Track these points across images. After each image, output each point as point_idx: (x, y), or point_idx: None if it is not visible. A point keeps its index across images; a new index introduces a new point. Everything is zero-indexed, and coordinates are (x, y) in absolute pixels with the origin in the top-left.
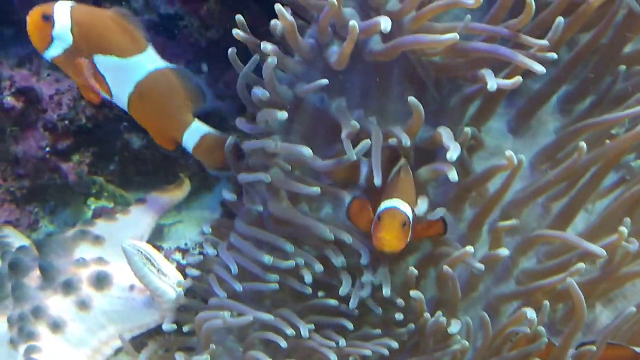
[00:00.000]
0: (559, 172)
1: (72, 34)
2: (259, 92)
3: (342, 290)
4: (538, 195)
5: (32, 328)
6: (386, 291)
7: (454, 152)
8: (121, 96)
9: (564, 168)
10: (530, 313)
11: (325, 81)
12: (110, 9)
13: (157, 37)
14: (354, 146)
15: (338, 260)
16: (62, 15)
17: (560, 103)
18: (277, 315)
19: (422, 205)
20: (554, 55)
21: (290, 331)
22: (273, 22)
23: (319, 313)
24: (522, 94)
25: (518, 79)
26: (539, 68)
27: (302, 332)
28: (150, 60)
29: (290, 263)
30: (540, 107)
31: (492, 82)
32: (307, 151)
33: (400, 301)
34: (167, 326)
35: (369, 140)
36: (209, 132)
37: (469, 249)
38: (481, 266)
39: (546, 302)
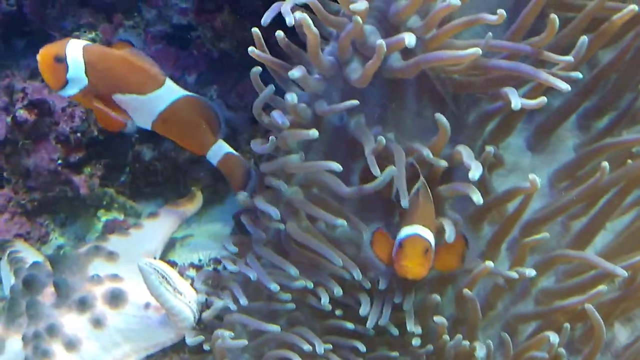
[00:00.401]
0: (581, 192)
1: (87, 76)
2: (280, 118)
3: (363, 311)
4: (558, 215)
5: (46, 346)
6: (410, 326)
7: (476, 171)
8: (144, 124)
9: (585, 187)
10: (553, 337)
11: (355, 102)
12: (123, 49)
13: (170, 47)
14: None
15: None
16: (75, 57)
17: (579, 119)
18: (293, 332)
19: (450, 233)
20: (579, 75)
21: (306, 347)
22: (278, 33)
23: (335, 333)
24: (541, 110)
25: (542, 99)
26: (564, 86)
27: (317, 348)
28: (170, 92)
29: (301, 283)
30: (560, 124)
31: (517, 101)
32: (336, 166)
33: (418, 329)
34: (191, 340)
35: (393, 167)
36: (230, 152)
37: (489, 263)
38: (514, 275)
39: (567, 325)
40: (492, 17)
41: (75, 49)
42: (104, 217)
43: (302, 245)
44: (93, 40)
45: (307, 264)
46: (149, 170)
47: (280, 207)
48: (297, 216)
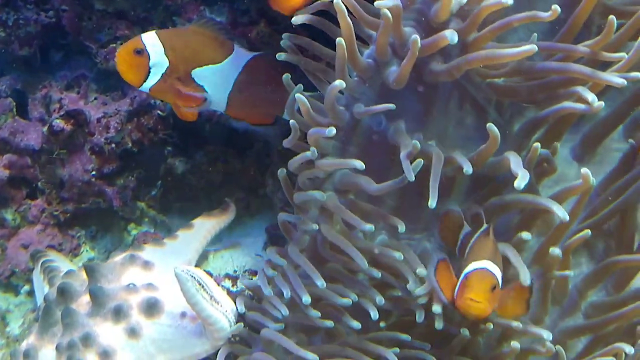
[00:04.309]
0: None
1: (168, 57)
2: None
3: (419, 319)
4: (606, 222)
5: (81, 357)
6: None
7: (522, 180)
8: (221, 99)
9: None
10: (629, 348)
11: (391, 106)
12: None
13: None
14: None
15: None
16: (153, 43)
17: (626, 129)
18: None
19: (525, 276)
20: (638, 75)
21: None
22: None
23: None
24: (588, 120)
25: (600, 104)
26: (620, 81)
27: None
28: (241, 57)
29: (347, 301)
30: (607, 134)
31: (592, 97)
32: (359, 164)
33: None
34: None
35: (421, 160)
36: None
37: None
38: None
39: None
40: (544, 14)
41: (150, 37)
42: (134, 230)
43: (338, 250)
44: None
45: (345, 271)
46: (181, 184)
47: (315, 213)
48: (332, 221)
